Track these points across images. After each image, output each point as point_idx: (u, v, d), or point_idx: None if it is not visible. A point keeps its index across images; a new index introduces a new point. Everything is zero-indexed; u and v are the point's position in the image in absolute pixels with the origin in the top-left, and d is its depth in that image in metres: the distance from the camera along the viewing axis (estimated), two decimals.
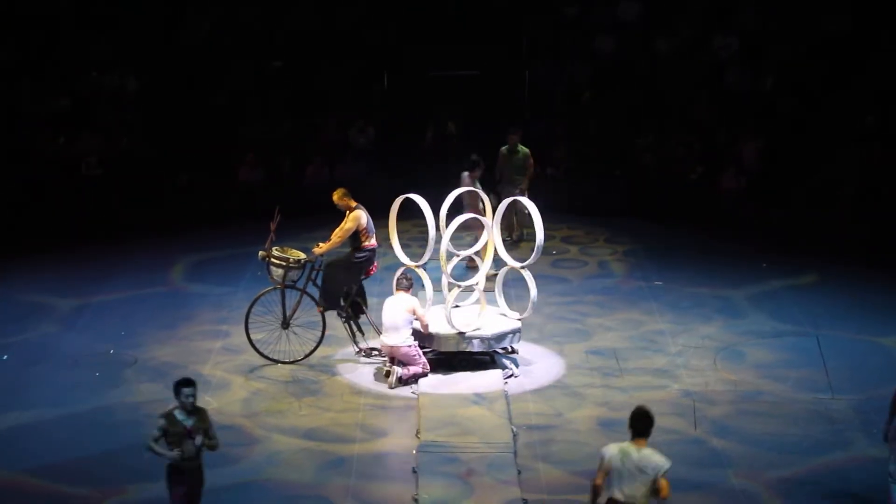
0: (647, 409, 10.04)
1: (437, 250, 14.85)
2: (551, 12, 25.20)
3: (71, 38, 24.19)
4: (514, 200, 15.93)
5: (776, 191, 21.67)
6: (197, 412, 10.65)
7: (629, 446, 9.93)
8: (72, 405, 14.02)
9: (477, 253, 15.46)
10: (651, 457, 9.87)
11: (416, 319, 14.56)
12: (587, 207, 22.31)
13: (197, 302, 17.63)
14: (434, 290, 14.98)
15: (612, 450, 9.94)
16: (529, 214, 15.05)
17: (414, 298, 14.59)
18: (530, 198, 15.86)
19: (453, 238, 14.76)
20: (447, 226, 14.74)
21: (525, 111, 24.19)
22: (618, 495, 9.83)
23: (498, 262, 15.44)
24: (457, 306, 15.00)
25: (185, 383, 10.61)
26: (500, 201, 15.81)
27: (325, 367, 15.06)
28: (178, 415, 10.57)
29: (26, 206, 21.27)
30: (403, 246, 15.57)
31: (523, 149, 19.80)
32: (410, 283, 14.68)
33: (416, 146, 23.65)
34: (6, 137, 22.52)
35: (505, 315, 15.20)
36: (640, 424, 9.97)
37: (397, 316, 14.42)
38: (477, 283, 15.06)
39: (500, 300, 15.36)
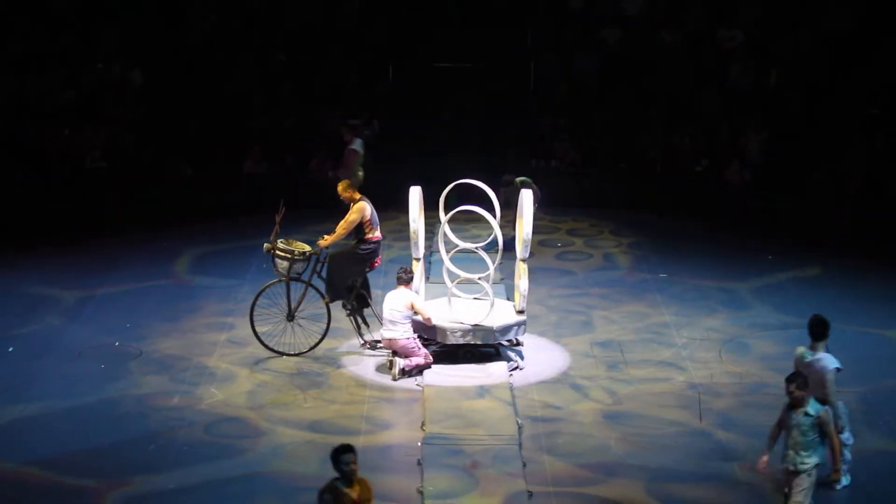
0: (822, 316, 11.72)
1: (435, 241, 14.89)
2: (556, 7, 25.16)
3: (76, 31, 24.17)
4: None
5: (780, 184, 21.65)
6: (360, 483, 9.52)
7: (805, 349, 11.60)
8: (76, 397, 14.02)
9: (485, 247, 15.41)
10: (821, 360, 11.46)
11: (417, 314, 14.56)
12: (592, 200, 22.29)
13: (202, 294, 17.63)
14: (437, 283, 15.01)
15: (798, 350, 11.65)
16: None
17: (413, 293, 14.58)
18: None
19: (458, 230, 14.77)
20: (445, 216, 14.79)
21: (530, 103, 24.16)
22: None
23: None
24: (457, 297, 15.00)
25: (345, 450, 9.50)
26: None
27: (330, 360, 15.06)
28: (341, 485, 9.47)
29: (31, 199, 21.24)
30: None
31: (524, 180, 19.07)
32: (410, 278, 14.67)
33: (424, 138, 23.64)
34: (11, 131, 22.49)
35: (505, 307, 15.19)
36: (816, 330, 11.63)
37: (395, 310, 14.42)
38: (485, 276, 15.02)
39: (514, 293, 15.32)
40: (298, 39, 24.62)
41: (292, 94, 23.95)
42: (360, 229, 14.99)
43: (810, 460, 10.76)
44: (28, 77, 23.28)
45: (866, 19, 23.53)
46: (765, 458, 11.08)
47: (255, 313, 15.12)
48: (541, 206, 18.11)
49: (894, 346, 15.50)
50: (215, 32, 24.61)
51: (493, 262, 14.92)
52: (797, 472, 10.78)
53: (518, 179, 18.57)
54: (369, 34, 24.75)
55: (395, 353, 14.52)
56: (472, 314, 14.77)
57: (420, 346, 14.52)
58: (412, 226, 14.83)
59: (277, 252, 14.97)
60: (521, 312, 15.03)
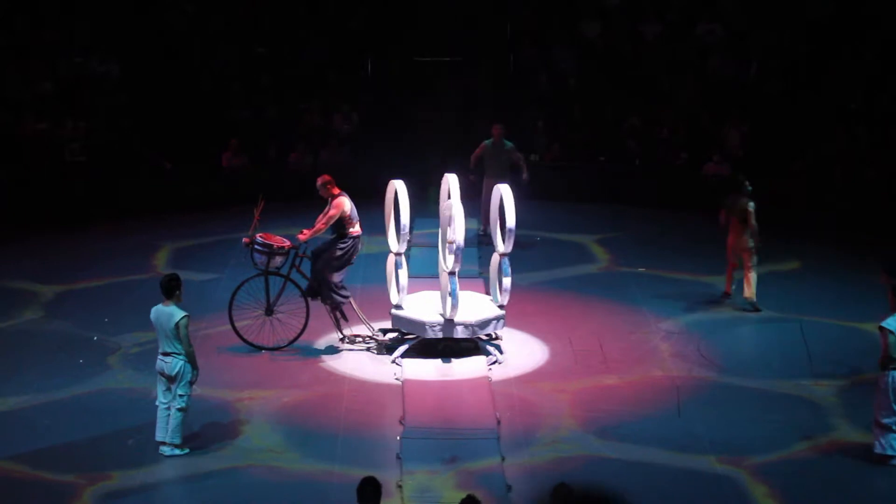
0: None
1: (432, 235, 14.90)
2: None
3: (55, 22, 24.09)
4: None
5: (760, 176, 21.67)
6: None
7: None
8: (55, 392, 14.00)
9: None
10: None
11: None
12: (571, 193, 22.32)
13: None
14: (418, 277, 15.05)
15: None
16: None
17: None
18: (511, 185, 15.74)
19: (434, 225, 14.79)
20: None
21: (510, 97, 24.16)
22: None
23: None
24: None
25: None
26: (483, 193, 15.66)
27: (310, 354, 15.06)
28: None
29: (9, 193, 21.15)
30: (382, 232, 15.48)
31: (508, 143, 19.49)
32: None
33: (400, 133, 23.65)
34: None
35: (485, 302, 15.18)
36: None
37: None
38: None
39: (495, 287, 15.29)
40: (278, 32, 24.60)
41: (272, 86, 23.91)
42: (340, 224, 14.96)
43: None
44: (6, 69, 23.19)
45: (845, 10, 23.61)
46: None
47: (233, 308, 15.09)
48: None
49: (871, 340, 15.45)
50: (194, 25, 24.55)
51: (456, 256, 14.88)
52: None
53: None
54: (353, 20, 24.74)
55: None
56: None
57: None
58: (405, 220, 14.79)
59: (256, 246, 14.95)
60: (501, 307, 15.04)
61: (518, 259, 15.22)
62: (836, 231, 19.97)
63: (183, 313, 12.29)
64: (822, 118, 22.18)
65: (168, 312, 12.29)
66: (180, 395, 12.32)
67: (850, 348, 15.27)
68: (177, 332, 12.22)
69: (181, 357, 12.26)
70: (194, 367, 12.37)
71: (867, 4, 23.47)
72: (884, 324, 12.11)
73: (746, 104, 22.93)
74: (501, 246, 15.14)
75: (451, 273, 14.63)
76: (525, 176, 19.10)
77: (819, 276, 18.19)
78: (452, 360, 14.73)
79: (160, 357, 12.36)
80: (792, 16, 23.91)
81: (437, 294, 14.98)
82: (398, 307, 15.01)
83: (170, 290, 12.36)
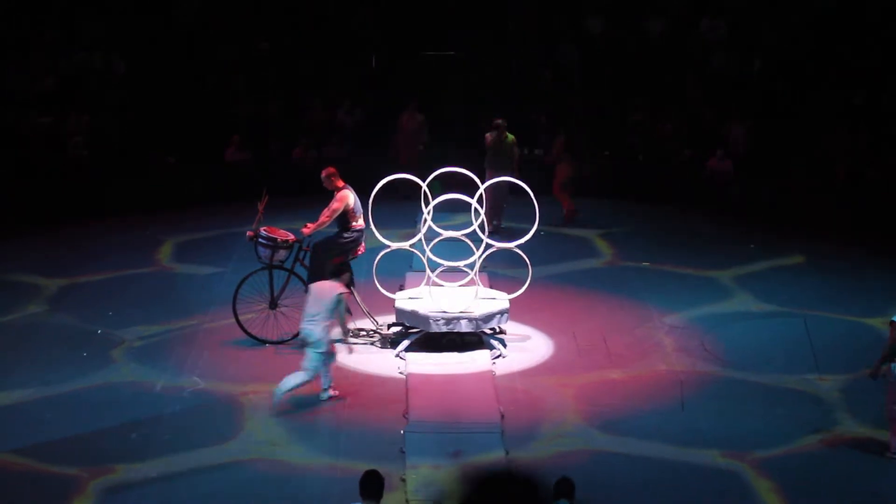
0: None
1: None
2: None
3: (59, 17, 24.10)
4: (505, 186, 15.91)
5: (764, 172, 21.70)
6: None
7: None
8: (58, 385, 13.99)
9: (469, 234, 15.42)
10: None
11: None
12: (575, 188, 22.28)
13: (184, 282, 17.60)
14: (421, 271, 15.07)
15: None
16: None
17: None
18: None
19: (441, 219, 14.80)
20: (429, 205, 14.82)
21: (513, 92, 24.15)
22: None
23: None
24: (440, 286, 15.02)
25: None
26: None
27: None
28: None
29: (12, 186, 21.16)
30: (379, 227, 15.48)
31: (510, 136, 19.64)
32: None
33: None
34: None
35: (494, 295, 15.18)
36: None
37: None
38: (470, 264, 15.04)
39: (479, 283, 15.30)
40: (282, 27, 24.59)
41: (276, 82, 23.91)
42: (343, 218, 14.95)
43: None
44: (9, 65, 23.20)
45: (849, 7, 23.60)
46: None
47: (237, 301, 15.10)
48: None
49: (875, 335, 15.51)
50: (199, 20, 24.55)
51: (479, 250, 14.97)
52: None
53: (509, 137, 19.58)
54: (357, 16, 24.74)
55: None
56: (455, 302, 14.77)
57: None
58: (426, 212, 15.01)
59: (260, 240, 14.95)
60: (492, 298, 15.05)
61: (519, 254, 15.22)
62: (840, 226, 19.93)
63: (343, 290, 13.47)
64: (825, 115, 22.16)
65: (331, 286, 13.48)
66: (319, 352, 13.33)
67: (855, 343, 15.26)
68: (335, 307, 13.25)
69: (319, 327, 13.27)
70: (345, 331, 13.59)
71: (870, 2, 23.44)
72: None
73: (750, 101, 22.91)
74: (502, 240, 15.13)
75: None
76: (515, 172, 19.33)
77: (823, 271, 18.18)
78: (456, 354, 14.72)
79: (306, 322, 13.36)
80: (796, 13, 23.88)
81: (440, 288, 14.99)
82: (402, 301, 15.05)
83: (338, 273, 13.93)
